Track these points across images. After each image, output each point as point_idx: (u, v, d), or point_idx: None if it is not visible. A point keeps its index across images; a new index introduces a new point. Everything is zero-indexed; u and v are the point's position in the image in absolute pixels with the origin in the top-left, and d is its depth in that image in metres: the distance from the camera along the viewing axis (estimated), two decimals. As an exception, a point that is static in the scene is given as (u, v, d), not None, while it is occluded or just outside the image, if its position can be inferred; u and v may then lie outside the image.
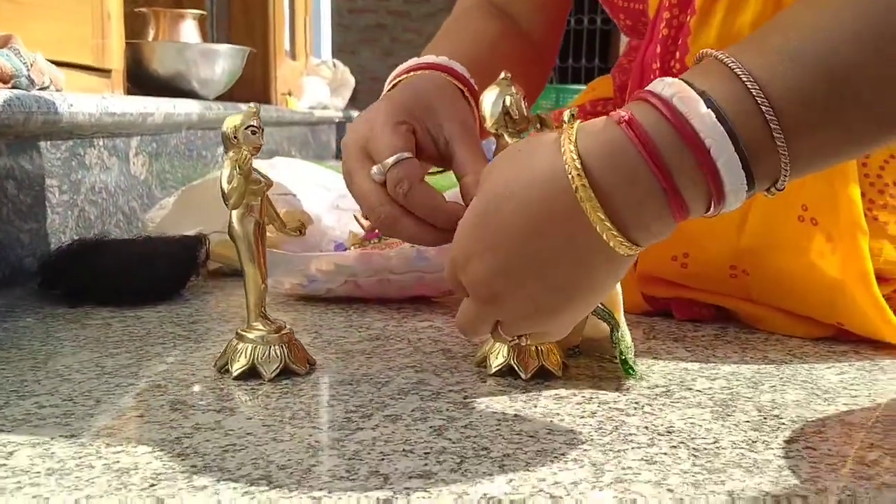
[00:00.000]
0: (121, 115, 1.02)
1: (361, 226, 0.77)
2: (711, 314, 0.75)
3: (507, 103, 0.60)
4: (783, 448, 0.46)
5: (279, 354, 0.57)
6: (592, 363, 0.61)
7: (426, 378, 0.58)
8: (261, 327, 0.58)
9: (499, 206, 0.46)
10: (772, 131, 0.42)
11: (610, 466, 0.43)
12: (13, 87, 0.83)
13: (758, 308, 0.71)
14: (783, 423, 0.50)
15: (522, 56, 0.80)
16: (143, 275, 0.80)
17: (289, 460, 0.44)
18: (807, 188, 0.64)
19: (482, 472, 0.43)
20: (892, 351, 0.66)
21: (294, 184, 0.96)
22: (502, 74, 0.61)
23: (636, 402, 0.53)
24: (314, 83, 2.89)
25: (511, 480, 0.42)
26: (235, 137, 0.56)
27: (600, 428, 0.49)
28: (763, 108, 0.42)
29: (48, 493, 0.40)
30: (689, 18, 0.67)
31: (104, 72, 1.25)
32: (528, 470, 0.43)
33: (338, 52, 5.41)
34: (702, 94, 0.42)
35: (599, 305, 0.56)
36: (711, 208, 0.45)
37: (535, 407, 0.52)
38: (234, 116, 0.56)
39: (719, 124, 0.42)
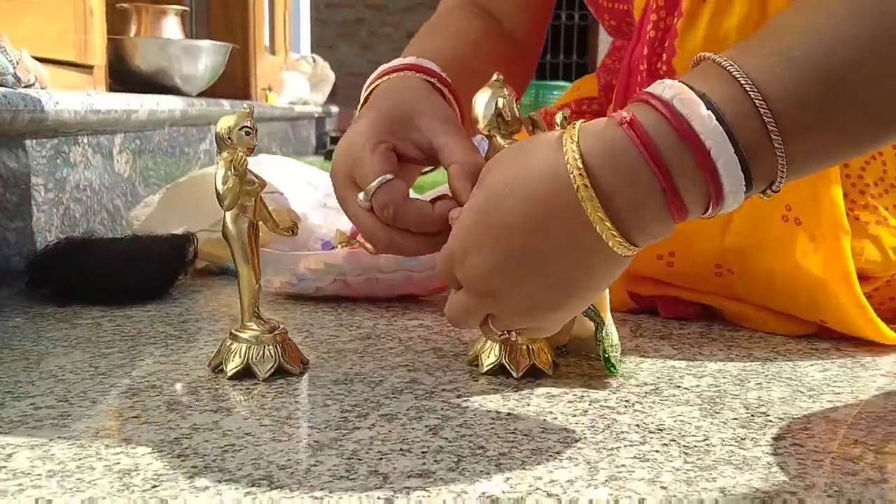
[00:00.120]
0: (105, 112, 1.02)
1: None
2: (696, 312, 0.76)
3: (500, 105, 0.60)
4: (771, 445, 0.47)
5: (273, 354, 0.58)
6: (582, 362, 0.62)
7: (419, 377, 0.58)
8: (255, 327, 0.59)
9: (499, 202, 0.47)
10: (769, 132, 0.43)
11: (604, 464, 0.44)
12: (-1, 86, 0.83)
13: (742, 306, 0.73)
14: (770, 420, 0.51)
15: (506, 56, 0.81)
16: (132, 274, 0.80)
17: (289, 460, 0.44)
18: (790, 189, 0.65)
19: (479, 470, 0.43)
20: (872, 348, 0.67)
21: (280, 182, 0.96)
22: (494, 76, 0.62)
23: (626, 401, 0.54)
24: (294, 78, 2.88)
25: (508, 479, 0.42)
26: (229, 138, 0.56)
27: (593, 426, 0.50)
28: (761, 109, 0.43)
29: (50, 496, 0.40)
30: (676, 21, 0.68)
31: (86, 68, 1.25)
32: (524, 468, 0.44)
33: (315, 46, 5.39)
34: (702, 96, 0.43)
35: (588, 304, 0.57)
36: (710, 210, 0.45)
37: (528, 405, 0.53)
38: (227, 117, 0.56)
39: (719, 126, 0.43)
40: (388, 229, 0.56)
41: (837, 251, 0.65)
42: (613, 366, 0.58)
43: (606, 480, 0.43)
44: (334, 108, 3.56)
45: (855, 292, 0.65)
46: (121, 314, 0.75)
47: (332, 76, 3.16)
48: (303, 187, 1.02)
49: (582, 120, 0.47)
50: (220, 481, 0.42)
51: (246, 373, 0.57)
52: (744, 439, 0.48)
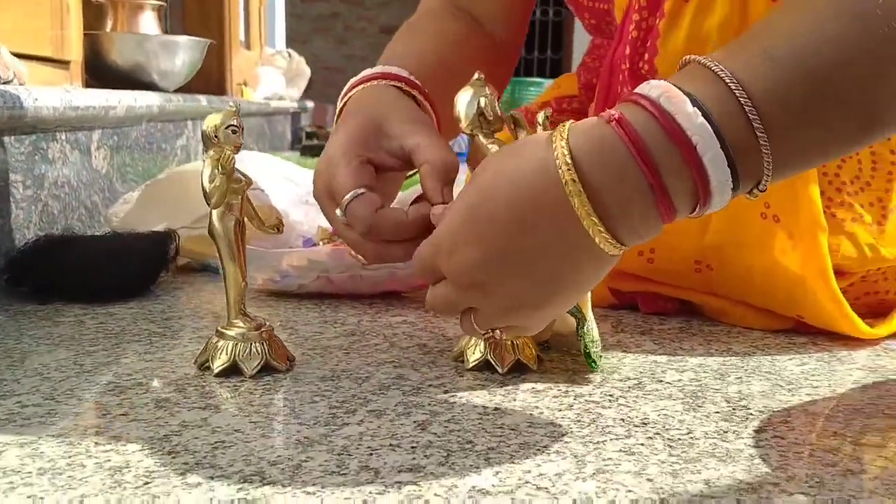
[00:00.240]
0: (84, 108, 1.01)
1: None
2: (676, 307, 0.77)
3: (482, 104, 0.61)
4: (753, 437, 0.48)
5: (260, 351, 0.58)
6: (565, 357, 0.63)
7: (405, 373, 0.59)
8: (241, 324, 0.59)
9: (488, 197, 0.47)
10: (755, 130, 0.44)
11: (591, 458, 0.45)
12: (-24, 81, 0.82)
13: (721, 302, 0.74)
14: (751, 414, 0.52)
15: (487, 57, 0.81)
16: (113, 271, 0.80)
17: (279, 456, 0.45)
18: (769, 187, 0.66)
19: (469, 465, 0.44)
20: (848, 342, 0.69)
21: (260, 178, 0.95)
22: (476, 75, 0.62)
23: (611, 395, 0.55)
24: (269, 73, 2.87)
25: (497, 473, 0.43)
26: (216, 136, 0.56)
27: (579, 420, 0.51)
28: (746, 107, 0.44)
29: (42, 493, 0.40)
30: (658, 21, 0.69)
31: (62, 63, 1.24)
32: (513, 462, 0.44)
33: (290, 41, 5.36)
34: (688, 94, 0.44)
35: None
36: (697, 208, 0.46)
37: (515, 401, 0.54)
38: (214, 116, 0.57)
39: (705, 122, 0.43)
40: (368, 241, 0.56)
41: (815, 248, 0.66)
42: (594, 361, 0.59)
43: (594, 473, 0.43)
44: (310, 104, 3.55)
45: (832, 288, 0.66)
46: (103, 312, 0.75)
47: (307, 71, 3.15)
48: (282, 183, 1.02)
49: (571, 121, 0.47)
50: (211, 477, 0.42)
51: (233, 370, 0.57)
52: (726, 432, 0.49)
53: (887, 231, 0.69)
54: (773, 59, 0.44)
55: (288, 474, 0.42)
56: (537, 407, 0.53)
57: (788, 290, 0.68)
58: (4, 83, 0.86)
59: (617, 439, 0.48)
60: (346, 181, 0.56)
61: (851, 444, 0.48)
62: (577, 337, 0.59)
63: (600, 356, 0.60)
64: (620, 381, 0.58)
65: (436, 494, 0.41)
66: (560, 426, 0.50)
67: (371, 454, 0.45)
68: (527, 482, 0.42)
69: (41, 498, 0.40)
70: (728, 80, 0.44)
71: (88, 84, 1.35)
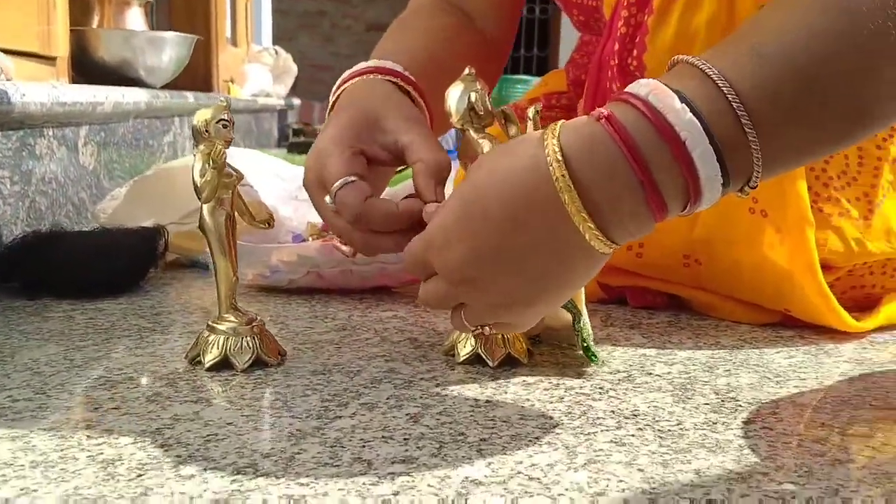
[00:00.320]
0: (71, 104, 1.01)
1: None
2: (664, 302, 0.78)
3: (473, 99, 0.61)
4: (742, 428, 0.49)
5: (251, 345, 0.58)
6: (555, 350, 0.63)
7: (397, 367, 0.59)
8: (232, 319, 0.59)
9: (482, 194, 0.48)
10: (743, 127, 0.44)
11: (582, 449, 0.46)
12: (-37, 76, 0.82)
13: (709, 296, 0.74)
14: (740, 405, 0.53)
15: (478, 53, 0.81)
16: (102, 267, 0.80)
17: (272, 448, 0.45)
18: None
19: (461, 456, 0.44)
20: (835, 335, 0.70)
21: (249, 175, 0.95)
22: (466, 70, 0.62)
23: (601, 388, 0.56)
24: (256, 70, 2.86)
25: (490, 464, 0.43)
26: (207, 131, 0.56)
27: (569, 412, 0.51)
28: (734, 104, 0.44)
29: (35, 486, 0.40)
30: (646, 17, 0.69)
31: (49, 59, 1.23)
32: (505, 454, 0.45)
33: (277, 38, 5.35)
34: (676, 92, 0.45)
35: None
36: (688, 206, 0.47)
37: (506, 393, 0.54)
38: (204, 110, 0.57)
39: (694, 118, 0.44)
40: (357, 231, 0.56)
41: (803, 243, 0.66)
42: (594, 354, 0.59)
43: (585, 464, 0.44)
44: (296, 101, 3.54)
45: (819, 282, 0.67)
46: (92, 307, 0.74)
47: (294, 68, 3.14)
48: (271, 180, 1.02)
49: (563, 120, 0.48)
50: (205, 469, 0.42)
51: (224, 364, 0.57)
52: (715, 423, 0.50)
53: (873, 225, 0.70)
54: (761, 56, 0.45)
55: (281, 466, 0.43)
56: (528, 399, 0.53)
57: (776, 285, 0.69)
58: (-8, 78, 0.86)
59: (608, 430, 0.48)
60: (338, 169, 0.56)
61: (839, 435, 0.49)
62: (574, 332, 0.59)
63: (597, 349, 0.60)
64: (610, 373, 0.59)
65: (429, 485, 0.41)
66: (551, 418, 0.50)
67: (364, 446, 0.45)
68: (519, 472, 0.42)
69: (34, 490, 0.40)
70: (716, 79, 0.44)
71: (75, 80, 1.34)
